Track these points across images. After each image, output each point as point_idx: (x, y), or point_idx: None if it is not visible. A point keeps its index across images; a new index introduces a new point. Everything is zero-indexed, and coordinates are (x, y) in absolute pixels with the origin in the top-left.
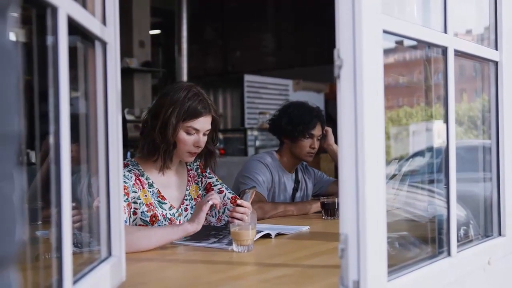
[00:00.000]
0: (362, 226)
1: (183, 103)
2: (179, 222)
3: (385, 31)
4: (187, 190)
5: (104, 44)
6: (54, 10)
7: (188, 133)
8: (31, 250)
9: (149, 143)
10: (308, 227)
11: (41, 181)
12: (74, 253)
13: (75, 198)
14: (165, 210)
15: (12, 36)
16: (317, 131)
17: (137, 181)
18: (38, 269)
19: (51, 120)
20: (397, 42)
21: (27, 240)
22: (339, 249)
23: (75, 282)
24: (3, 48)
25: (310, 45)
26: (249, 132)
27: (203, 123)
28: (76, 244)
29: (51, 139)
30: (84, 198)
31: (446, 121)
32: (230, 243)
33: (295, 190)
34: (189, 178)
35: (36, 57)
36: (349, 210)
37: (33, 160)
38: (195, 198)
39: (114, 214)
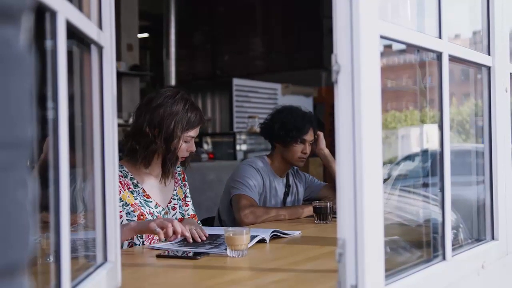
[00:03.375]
0: (360, 230)
1: (184, 115)
2: None
3: (382, 37)
4: (174, 190)
5: (100, 48)
6: (53, 14)
7: (186, 142)
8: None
9: (151, 153)
10: (300, 232)
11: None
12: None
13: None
14: (152, 208)
15: (26, 42)
16: (309, 137)
17: (118, 183)
18: (32, 274)
19: (50, 124)
20: (385, 46)
21: None
22: (336, 253)
23: None
24: (18, 55)
25: (298, 49)
26: (238, 136)
27: (198, 130)
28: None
29: (50, 144)
30: (77, 202)
31: (441, 125)
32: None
33: (286, 194)
34: (176, 180)
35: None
36: (346, 215)
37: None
38: (182, 199)
39: (110, 220)
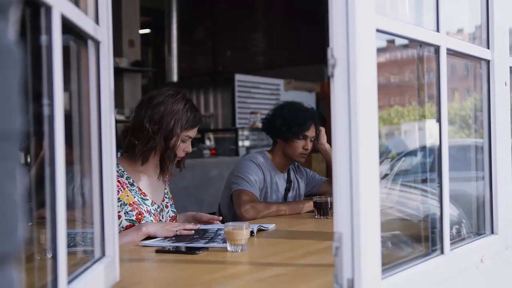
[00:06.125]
0: (356, 224)
1: (183, 115)
2: (162, 218)
3: (378, 30)
4: (165, 189)
5: (97, 43)
6: (48, 9)
7: (183, 141)
8: (23, 251)
9: (149, 149)
10: (274, 225)
11: (33, 182)
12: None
13: (67, 198)
14: (148, 206)
15: (14, 35)
16: (311, 133)
17: (117, 183)
18: (31, 269)
19: (45, 120)
20: (388, 41)
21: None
22: (333, 247)
23: (69, 282)
24: (5, 48)
25: (300, 44)
26: (240, 132)
27: (196, 131)
28: (69, 244)
29: (46, 140)
30: (76, 198)
31: (439, 120)
32: (225, 241)
33: (287, 190)
34: (166, 179)
35: (28, 57)
36: (343, 209)
37: (22, 161)
38: (171, 198)
39: (108, 215)
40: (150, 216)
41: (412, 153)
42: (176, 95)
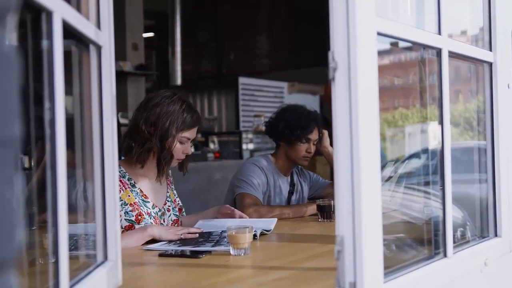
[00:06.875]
0: (358, 227)
1: (179, 115)
2: (163, 221)
3: (379, 33)
4: (167, 192)
5: (98, 48)
6: (49, 14)
7: (181, 143)
8: (26, 255)
9: (146, 151)
10: (276, 219)
11: (36, 186)
12: (69, 257)
13: (70, 203)
14: (149, 208)
15: (12, 41)
16: (314, 136)
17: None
18: (34, 274)
19: (46, 124)
20: (391, 44)
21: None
22: (335, 251)
23: (71, 286)
24: (3, 54)
25: (304, 47)
26: (244, 135)
27: (195, 132)
28: (71, 248)
29: (47, 144)
30: (79, 203)
31: (441, 122)
32: (229, 244)
33: (290, 193)
34: (168, 182)
35: (30, 61)
36: (345, 212)
37: (26, 165)
38: (174, 200)
39: (110, 219)
40: (150, 218)
41: (416, 155)
42: (172, 96)
